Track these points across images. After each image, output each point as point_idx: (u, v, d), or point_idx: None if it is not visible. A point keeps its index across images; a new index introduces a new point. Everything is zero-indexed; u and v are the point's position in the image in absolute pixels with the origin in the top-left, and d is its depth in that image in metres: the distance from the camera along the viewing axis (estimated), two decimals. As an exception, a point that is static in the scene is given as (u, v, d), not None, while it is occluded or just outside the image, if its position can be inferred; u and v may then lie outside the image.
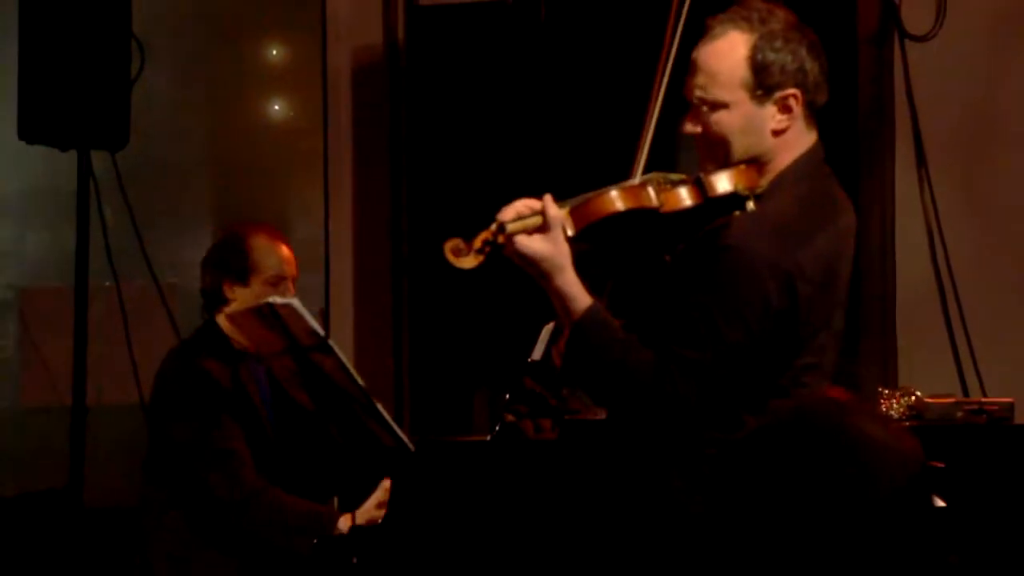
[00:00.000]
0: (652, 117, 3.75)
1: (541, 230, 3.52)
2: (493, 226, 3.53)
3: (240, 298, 5.26)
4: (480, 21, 6.07)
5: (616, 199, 3.59)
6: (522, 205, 3.55)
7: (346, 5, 6.76)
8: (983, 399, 5.41)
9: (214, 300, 5.28)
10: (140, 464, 6.26)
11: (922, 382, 5.41)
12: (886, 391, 5.27)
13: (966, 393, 5.70)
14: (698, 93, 3.64)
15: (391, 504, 5.03)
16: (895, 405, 5.13)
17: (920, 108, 5.91)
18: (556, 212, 3.53)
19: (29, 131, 5.60)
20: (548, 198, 3.54)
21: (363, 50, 6.68)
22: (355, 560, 4.96)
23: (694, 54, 3.67)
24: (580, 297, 3.59)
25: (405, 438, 5.00)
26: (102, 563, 5.64)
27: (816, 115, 3.69)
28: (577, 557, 3.86)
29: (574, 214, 3.58)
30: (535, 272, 3.57)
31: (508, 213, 3.55)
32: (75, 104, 5.59)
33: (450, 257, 3.50)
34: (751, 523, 1.68)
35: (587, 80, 5.73)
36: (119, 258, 6.23)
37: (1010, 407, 5.18)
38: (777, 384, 3.59)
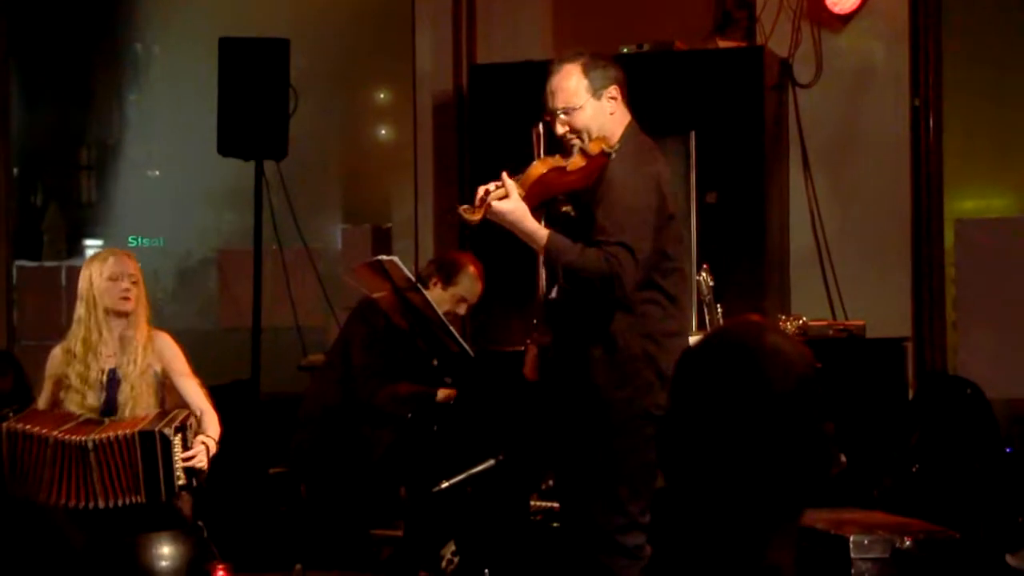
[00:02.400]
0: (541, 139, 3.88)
1: (505, 196, 3.60)
2: (478, 196, 3.62)
3: (434, 292, 5.04)
4: (518, 75, 6.07)
5: (539, 165, 3.70)
6: (492, 184, 3.64)
7: (429, 63, 6.66)
8: (846, 322, 5.47)
9: (420, 280, 4.90)
10: (295, 367, 6.44)
11: (806, 311, 5.52)
12: (783, 317, 5.35)
13: (835, 317, 5.69)
14: (561, 105, 3.70)
15: (457, 391, 5.06)
16: (789, 326, 5.16)
17: (805, 132, 5.94)
18: (510, 181, 3.61)
19: (224, 147, 5.61)
20: (504, 175, 3.63)
21: (440, 93, 6.61)
22: (435, 428, 5.19)
23: (551, 85, 3.73)
24: (540, 231, 3.63)
25: (467, 347, 4.97)
26: (271, 430, 5.59)
27: (628, 101, 3.76)
28: (572, 424, 3.79)
29: (521, 181, 3.65)
30: (507, 222, 3.62)
31: (482, 189, 3.64)
32: (253, 130, 5.59)
33: (462, 215, 3.62)
34: (691, 416, 1.60)
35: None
36: (281, 231, 6.33)
37: (863, 328, 5.31)
38: (667, 252, 3.66)
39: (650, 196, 3.65)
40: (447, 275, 5.17)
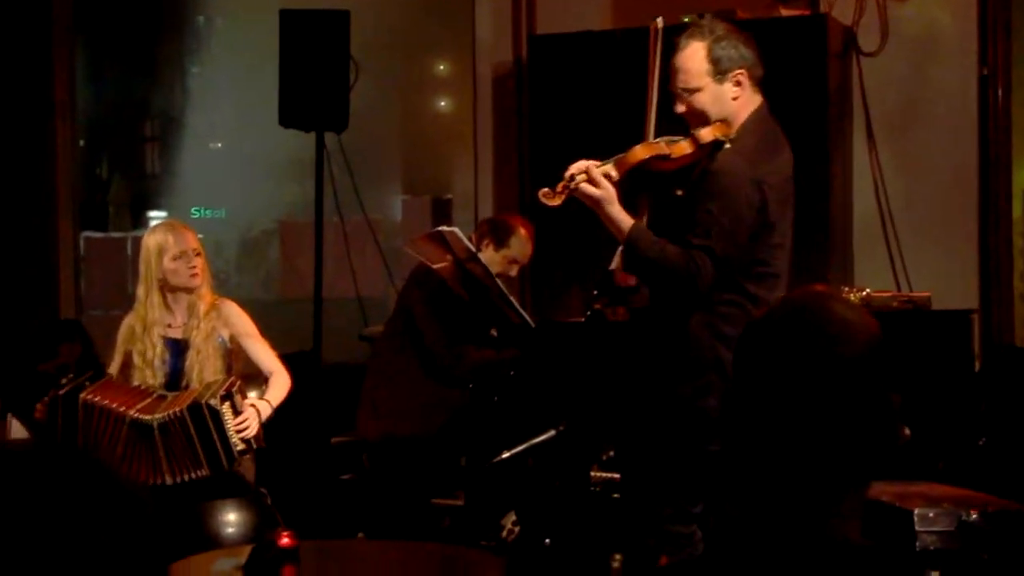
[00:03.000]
0: (651, 111, 3.74)
1: (591, 181, 3.55)
2: (565, 179, 3.56)
3: (486, 253, 5.09)
4: (577, 46, 6.06)
5: (641, 150, 3.60)
6: (576, 167, 3.57)
7: (488, 34, 6.63)
8: (910, 293, 5.39)
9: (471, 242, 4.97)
10: (356, 337, 6.46)
11: (870, 282, 5.44)
12: (846, 288, 5.23)
13: (899, 289, 5.64)
14: (680, 85, 3.63)
15: (520, 359, 5.09)
16: (852, 297, 5.01)
17: (869, 101, 5.85)
18: (596, 170, 3.53)
19: (286, 119, 5.57)
20: (590, 163, 3.55)
21: (499, 65, 6.58)
22: (496, 398, 5.16)
23: (674, 63, 3.65)
24: (626, 220, 3.57)
25: (528, 317, 5.04)
26: (334, 400, 5.60)
27: (760, 84, 3.66)
28: (639, 396, 3.84)
29: (617, 164, 3.58)
30: (593, 206, 3.57)
31: (572, 170, 3.57)
32: (314, 102, 5.56)
33: (542, 199, 3.57)
34: (757, 387, 1.59)
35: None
36: (342, 202, 6.25)
37: (928, 299, 5.21)
38: (760, 258, 3.59)
39: (750, 201, 3.55)
40: (499, 237, 5.20)
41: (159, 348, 4.40)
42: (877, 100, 5.86)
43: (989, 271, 5.77)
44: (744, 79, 3.62)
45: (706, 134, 3.60)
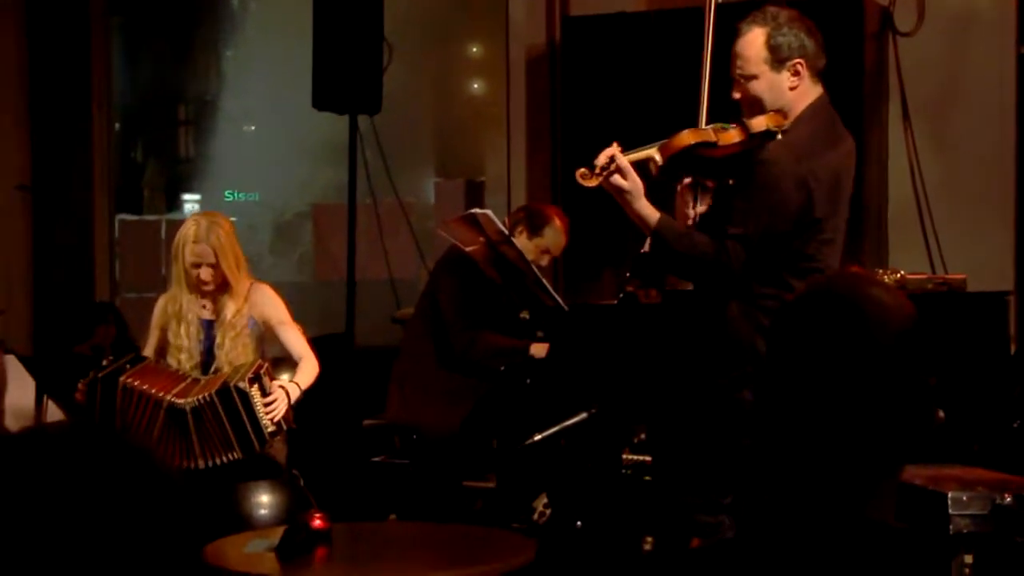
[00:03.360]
0: (704, 94, 3.74)
1: (621, 172, 3.51)
2: (599, 165, 3.51)
3: (519, 240, 5.06)
4: (612, 27, 6.03)
5: (687, 135, 3.54)
6: (607, 153, 3.51)
7: (522, 16, 6.62)
8: (945, 276, 5.32)
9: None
10: (389, 319, 6.47)
11: (904, 264, 5.36)
12: (880, 271, 5.19)
13: (934, 271, 5.59)
14: (738, 72, 3.58)
15: (550, 345, 5.07)
16: (887, 280, 4.94)
17: (905, 82, 5.80)
18: (624, 159, 3.48)
19: (320, 102, 5.55)
20: (618, 151, 3.50)
21: (533, 47, 6.57)
22: (528, 381, 5.18)
23: (733, 48, 3.59)
24: (652, 214, 3.54)
25: (561, 300, 5.00)
26: (366, 382, 5.58)
27: (820, 75, 3.60)
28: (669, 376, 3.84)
29: (662, 148, 3.53)
30: (620, 198, 3.55)
31: (604, 156, 3.51)
32: (348, 84, 5.54)
33: (579, 180, 3.53)
34: (791, 368, 1.57)
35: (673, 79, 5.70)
36: (375, 185, 6.37)
37: (963, 282, 5.16)
38: (806, 253, 3.53)
39: (792, 196, 3.50)
40: (534, 226, 5.19)
41: (195, 329, 4.43)
42: (913, 81, 5.82)
43: (1026, 254, 5.71)
44: (803, 69, 3.57)
45: (758, 124, 3.55)
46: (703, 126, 3.64)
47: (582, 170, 3.55)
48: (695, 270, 3.59)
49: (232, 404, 4.23)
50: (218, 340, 4.43)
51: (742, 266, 3.48)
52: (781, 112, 3.57)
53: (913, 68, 5.82)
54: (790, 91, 3.57)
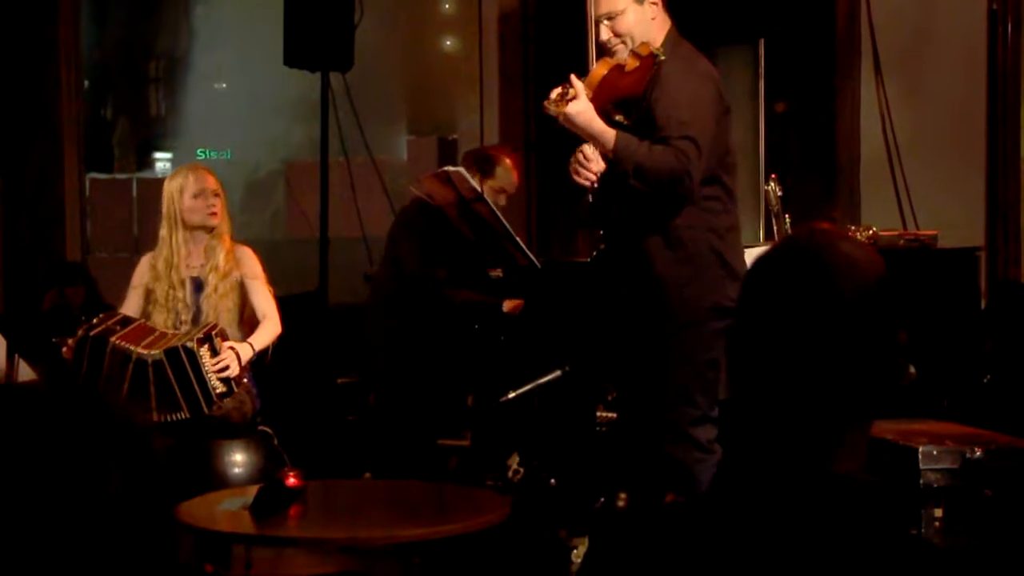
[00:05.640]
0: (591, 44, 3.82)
1: (574, 98, 3.60)
2: (552, 96, 3.61)
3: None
4: None
5: (601, 66, 3.70)
6: (562, 87, 3.62)
7: None
8: (917, 232, 5.34)
9: None
10: (362, 277, 6.45)
11: (877, 220, 5.41)
12: (852, 227, 5.23)
13: (906, 227, 5.60)
14: (603, 11, 3.73)
15: (524, 302, 5.10)
16: (859, 235, 4.97)
17: (877, 33, 5.78)
18: (579, 83, 3.62)
19: (291, 59, 5.54)
20: (573, 76, 3.63)
21: (505, 3, 6.55)
22: (502, 338, 5.18)
23: None
24: (609, 132, 3.63)
25: (533, 258, 5.00)
26: (339, 340, 5.61)
27: (668, 6, 3.77)
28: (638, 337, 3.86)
29: (587, 82, 3.66)
30: (576, 124, 3.62)
31: (555, 91, 3.63)
32: (319, 41, 5.53)
33: (548, 108, 3.62)
34: (761, 323, 1.58)
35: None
36: (348, 142, 6.30)
37: (935, 237, 5.19)
38: (728, 147, 3.72)
39: (709, 89, 3.68)
40: (484, 168, 5.19)
41: (188, 287, 4.41)
42: (885, 34, 5.80)
43: (996, 208, 5.73)
44: (659, 0, 3.74)
45: (642, 49, 3.69)
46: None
47: (551, 97, 3.63)
48: (660, 177, 3.61)
49: (179, 363, 4.20)
50: (205, 294, 4.42)
51: (694, 164, 3.58)
52: (647, 45, 3.71)
53: (885, 21, 5.80)
54: (652, 21, 3.75)
